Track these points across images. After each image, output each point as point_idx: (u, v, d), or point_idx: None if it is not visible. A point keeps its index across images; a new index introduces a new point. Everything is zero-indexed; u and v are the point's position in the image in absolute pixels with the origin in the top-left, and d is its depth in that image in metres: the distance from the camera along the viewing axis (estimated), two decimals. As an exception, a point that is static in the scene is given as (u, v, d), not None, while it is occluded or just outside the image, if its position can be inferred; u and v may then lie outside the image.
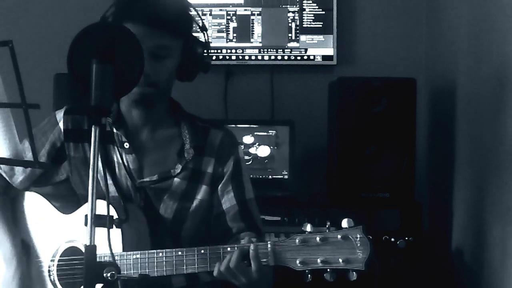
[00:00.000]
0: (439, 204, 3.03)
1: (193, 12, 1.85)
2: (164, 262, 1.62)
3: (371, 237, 2.54)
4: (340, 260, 1.52)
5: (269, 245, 1.56)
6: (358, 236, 1.53)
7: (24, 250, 1.82)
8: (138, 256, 1.64)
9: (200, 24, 1.87)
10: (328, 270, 1.53)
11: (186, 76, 1.84)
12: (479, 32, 2.59)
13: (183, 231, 1.83)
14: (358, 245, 1.53)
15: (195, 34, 1.85)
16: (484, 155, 2.51)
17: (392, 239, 2.64)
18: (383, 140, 2.76)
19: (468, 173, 2.71)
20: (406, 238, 2.64)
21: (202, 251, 1.61)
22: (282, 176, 2.99)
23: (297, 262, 1.54)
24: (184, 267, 1.62)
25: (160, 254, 1.63)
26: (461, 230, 2.77)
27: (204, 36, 1.85)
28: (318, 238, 1.54)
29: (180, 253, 1.62)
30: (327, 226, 1.57)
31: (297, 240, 1.55)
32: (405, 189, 2.75)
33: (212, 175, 1.84)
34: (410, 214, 2.81)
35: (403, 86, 2.76)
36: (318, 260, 1.53)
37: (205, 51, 1.84)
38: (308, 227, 1.57)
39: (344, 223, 1.56)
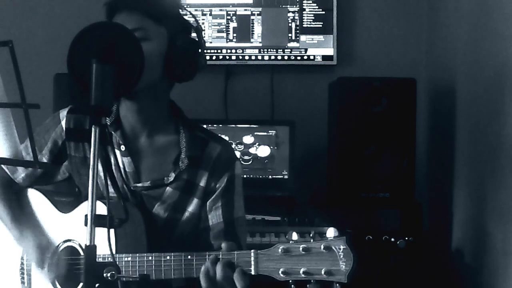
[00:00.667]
0: (439, 204, 3.03)
1: (184, 12, 1.84)
2: (153, 266, 1.62)
3: (371, 237, 2.61)
4: (322, 272, 1.49)
5: (252, 254, 1.55)
6: (342, 247, 1.50)
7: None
8: (129, 259, 1.63)
9: (194, 24, 1.85)
10: (312, 281, 1.51)
11: (177, 74, 1.77)
12: (479, 32, 2.59)
13: (173, 238, 1.82)
14: (341, 256, 1.49)
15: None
16: (484, 155, 2.51)
17: (392, 239, 2.64)
18: (383, 140, 2.76)
19: (468, 173, 2.71)
20: (406, 238, 2.64)
21: (189, 257, 1.60)
22: (282, 176, 2.99)
23: (280, 272, 1.51)
24: (172, 272, 1.61)
25: (150, 258, 1.62)
26: (461, 230, 2.77)
27: (198, 36, 1.83)
28: (301, 248, 1.51)
29: (168, 257, 1.61)
30: (311, 235, 1.55)
31: (279, 250, 1.52)
32: (405, 189, 2.76)
33: (204, 189, 1.81)
34: (410, 214, 2.81)
35: (403, 86, 2.76)
36: (301, 271, 1.50)
37: (199, 49, 1.80)
38: (294, 236, 1.55)
39: (329, 232, 1.52)
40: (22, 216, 1.83)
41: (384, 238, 2.65)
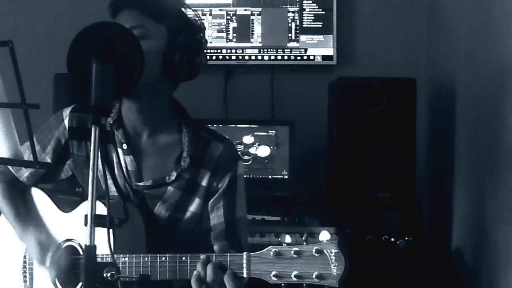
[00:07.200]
0: (439, 204, 3.03)
1: (188, 12, 1.84)
2: (149, 267, 1.61)
3: (371, 237, 2.61)
4: (314, 276, 1.47)
5: (244, 257, 1.54)
6: (333, 251, 1.48)
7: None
8: (126, 259, 1.63)
9: (198, 24, 1.84)
10: (304, 285, 1.49)
11: (176, 72, 1.76)
12: (479, 32, 2.59)
13: (175, 238, 1.81)
14: (333, 260, 1.48)
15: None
16: (484, 154, 2.51)
17: (392, 239, 2.64)
18: (383, 140, 2.76)
19: (468, 173, 2.71)
20: (406, 238, 2.64)
21: (183, 258, 1.59)
22: (282, 176, 2.99)
23: (272, 275, 1.50)
24: (167, 273, 1.60)
25: (146, 258, 1.61)
26: (461, 230, 2.77)
27: (199, 35, 1.81)
28: (292, 252, 1.50)
29: (163, 258, 1.60)
30: (303, 237, 1.53)
31: (271, 253, 1.51)
32: (405, 189, 2.76)
33: (206, 189, 1.80)
34: (410, 214, 2.81)
35: (403, 86, 2.76)
36: (292, 275, 1.49)
37: (199, 48, 1.79)
38: (287, 238, 1.54)
39: (322, 235, 1.52)
40: (26, 214, 1.84)
41: (384, 238, 2.65)
